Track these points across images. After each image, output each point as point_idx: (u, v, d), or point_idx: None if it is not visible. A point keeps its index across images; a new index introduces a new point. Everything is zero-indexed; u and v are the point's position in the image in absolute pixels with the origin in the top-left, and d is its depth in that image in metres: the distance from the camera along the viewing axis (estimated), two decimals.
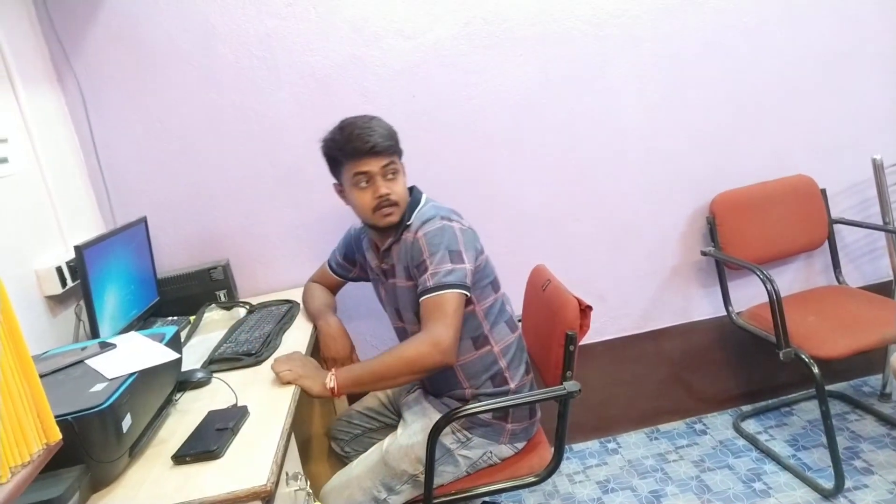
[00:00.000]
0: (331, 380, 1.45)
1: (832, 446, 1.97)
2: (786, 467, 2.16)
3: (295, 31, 2.06)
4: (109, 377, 1.15)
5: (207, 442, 1.18)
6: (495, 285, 1.64)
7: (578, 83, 2.21)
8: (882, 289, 2.38)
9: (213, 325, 1.95)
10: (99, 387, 1.12)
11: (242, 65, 2.06)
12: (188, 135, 2.10)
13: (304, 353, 1.60)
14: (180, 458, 1.15)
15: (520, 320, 1.93)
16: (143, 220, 1.98)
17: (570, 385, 1.51)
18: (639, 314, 2.43)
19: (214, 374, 1.52)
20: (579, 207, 2.31)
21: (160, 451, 1.20)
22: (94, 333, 1.59)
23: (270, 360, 1.55)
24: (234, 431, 1.22)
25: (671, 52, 2.23)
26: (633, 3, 2.17)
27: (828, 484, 2.02)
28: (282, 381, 1.44)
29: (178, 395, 1.43)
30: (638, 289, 2.41)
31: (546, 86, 2.20)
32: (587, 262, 2.36)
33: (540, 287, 1.77)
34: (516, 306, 1.95)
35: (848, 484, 2.02)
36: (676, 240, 2.39)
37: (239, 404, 1.34)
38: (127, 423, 1.11)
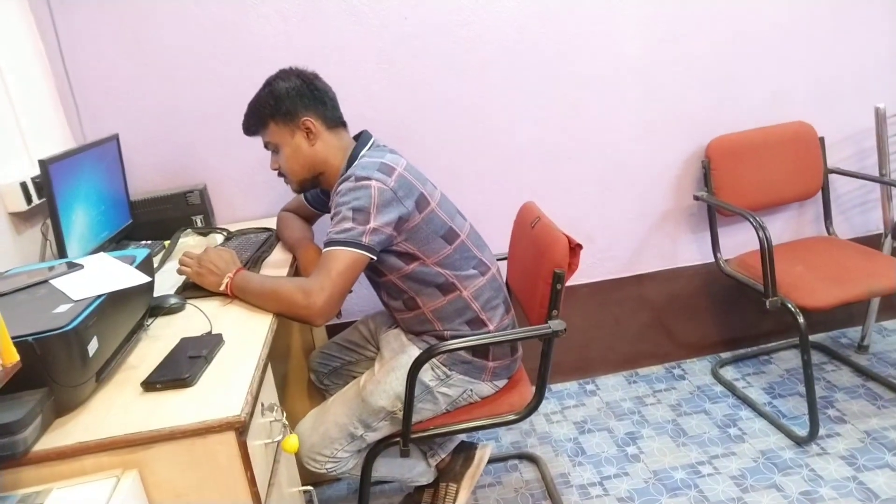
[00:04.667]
0: (225, 280, 1.44)
1: (810, 395, 1.98)
2: (761, 414, 2.18)
3: None
4: (75, 299, 1.08)
5: (179, 369, 1.13)
6: (449, 237, 1.53)
7: (578, 14, 2.10)
8: (871, 241, 2.36)
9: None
10: (63, 308, 1.05)
11: None
12: (164, 48, 1.97)
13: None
14: (150, 384, 1.10)
15: (505, 258, 1.89)
16: (116, 138, 1.88)
17: (556, 324, 1.48)
18: (626, 257, 2.40)
19: (189, 301, 1.46)
20: (572, 145, 2.24)
21: (129, 377, 1.15)
22: (62, 254, 1.52)
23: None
24: (207, 360, 1.17)
25: None
26: None
27: (801, 431, 2.05)
28: (180, 273, 1.52)
29: (150, 321, 1.37)
30: (627, 231, 2.37)
31: (545, 15, 2.09)
32: (577, 201, 2.30)
33: (529, 224, 1.71)
34: (503, 243, 1.90)
35: (821, 432, 2.05)
36: (669, 183, 2.33)
37: (213, 332, 1.29)
38: (93, 346, 1.05)
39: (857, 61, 2.30)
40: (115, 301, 1.14)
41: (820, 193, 2.36)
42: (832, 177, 2.37)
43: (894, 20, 2.27)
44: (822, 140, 2.30)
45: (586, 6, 2.10)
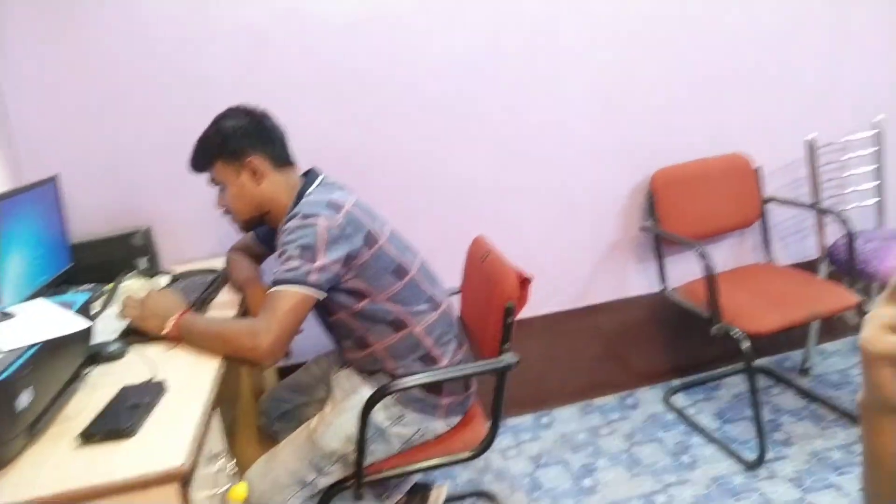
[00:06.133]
0: (170, 323, 1.40)
1: (758, 419, 2.03)
2: (712, 440, 2.22)
3: None
4: (5, 349, 1.04)
5: (119, 419, 1.08)
6: (400, 272, 1.52)
7: (525, 51, 2.17)
8: (808, 267, 2.45)
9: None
10: None
11: (170, 13, 1.91)
12: (108, 87, 1.94)
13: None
14: (88, 436, 1.05)
15: (457, 292, 1.90)
16: (54, 179, 1.83)
17: (508, 357, 1.48)
18: (577, 289, 2.43)
19: (132, 346, 1.41)
20: (521, 179, 2.28)
21: (65, 430, 1.10)
22: None
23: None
24: (148, 408, 1.13)
25: (617, 25, 2.21)
26: None
27: (751, 455, 2.09)
28: (123, 317, 1.46)
29: (89, 369, 1.32)
30: (577, 263, 2.41)
31: (494, 51, 2.14)
32: (527, 235, 2.33)
33: (479, 258, 1.72)
34: (456, 277, 1.91)
35: (769, 455, 2.09)
36: (617, 214, 2.39)
37: (157, 379, 1.24)
38: (26, 399, 1.00)
39: (789, 95, 2.42)
40: (51, 350, 1.09)
41: (759, 222, 2.45)
42: (769, 205, 2.46)
43: (824, 55, 2.40)
44: (758, 170, 2.39)
45: (534, 43, 2.16)
